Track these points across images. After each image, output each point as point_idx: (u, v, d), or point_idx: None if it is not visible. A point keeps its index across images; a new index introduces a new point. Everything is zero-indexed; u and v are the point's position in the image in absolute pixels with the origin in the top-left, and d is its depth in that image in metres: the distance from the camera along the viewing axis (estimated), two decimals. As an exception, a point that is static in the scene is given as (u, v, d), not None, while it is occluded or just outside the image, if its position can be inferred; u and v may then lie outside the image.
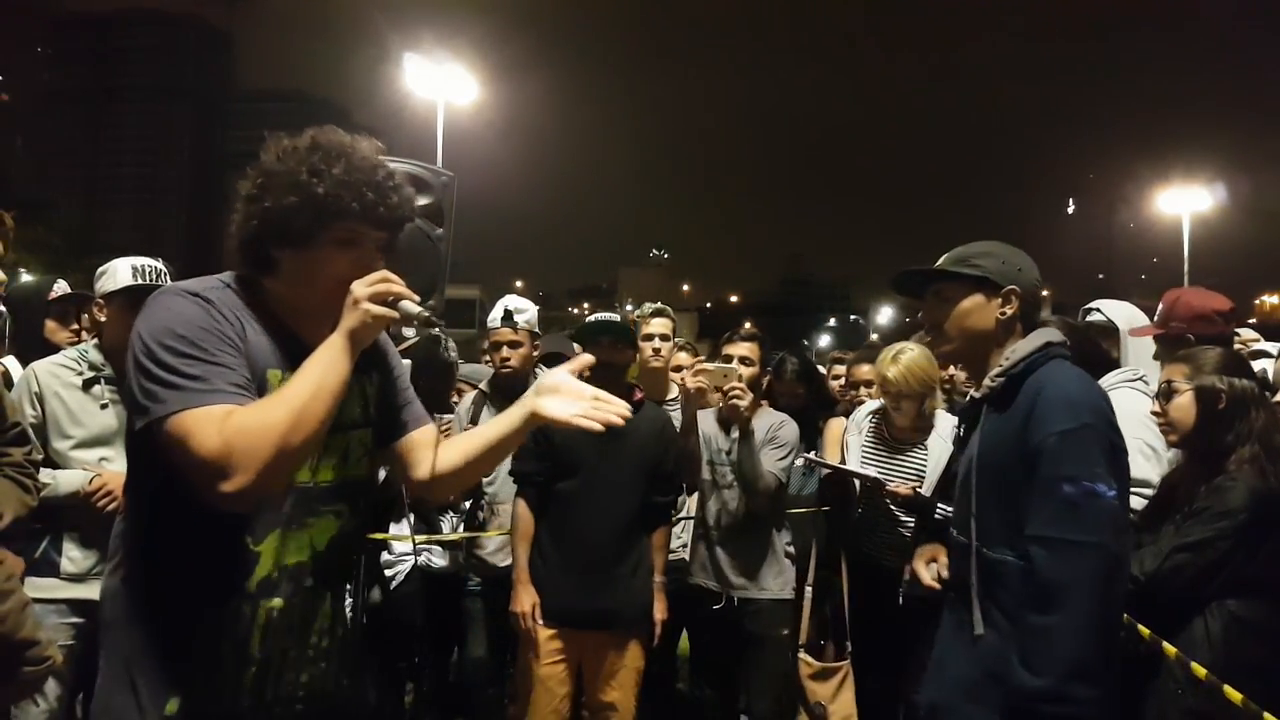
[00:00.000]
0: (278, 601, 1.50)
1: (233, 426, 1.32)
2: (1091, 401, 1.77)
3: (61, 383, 2.69)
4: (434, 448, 1.75)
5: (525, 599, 3.03)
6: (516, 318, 3.63)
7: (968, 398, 2.04)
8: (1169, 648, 2.21)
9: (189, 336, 1.39)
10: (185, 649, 1.44)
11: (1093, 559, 1.67)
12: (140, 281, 2.77)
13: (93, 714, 1.50)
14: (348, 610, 1.65)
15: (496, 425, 1.69)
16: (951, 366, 3.72)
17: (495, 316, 3.67)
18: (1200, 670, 2.12)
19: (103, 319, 2.82)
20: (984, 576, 1.84)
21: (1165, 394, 2.42)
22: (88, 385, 2.72)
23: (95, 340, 2.84)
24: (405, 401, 1.78)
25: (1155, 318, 3.08)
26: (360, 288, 1.49)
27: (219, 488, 1.31)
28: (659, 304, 3.97)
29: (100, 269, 2.86)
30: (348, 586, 1.65)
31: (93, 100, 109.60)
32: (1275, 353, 3.27)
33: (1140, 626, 2.33)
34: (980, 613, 1.83)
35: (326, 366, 1.43)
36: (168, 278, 2.85)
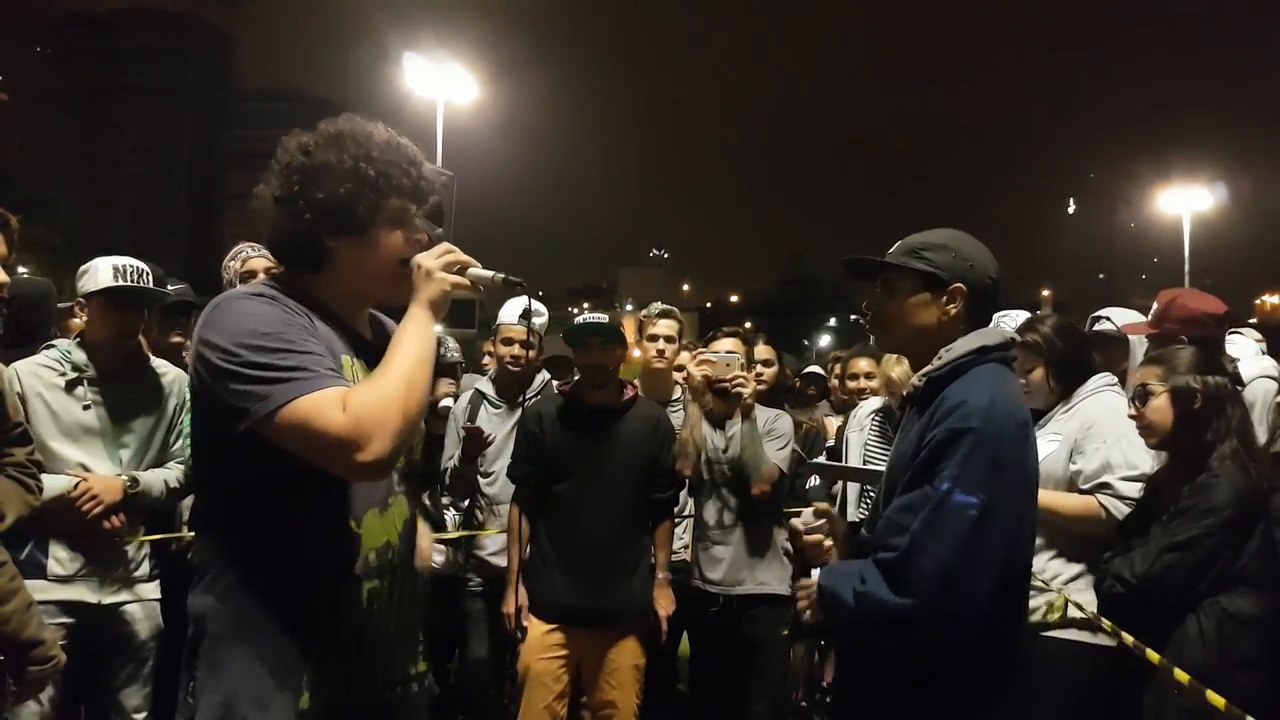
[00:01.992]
0: (376, 583, 1.56)
1: (356, 403, 1.37)
2: (989, 410, 1.62)
3: (44, 383, 2.67)
4: None
5: (512, 600, 3.10)
6: (534, 320, 3.64)
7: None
8: (1152, 654, 2.23)
9: (274, 332, 1.42)
10: (307, 642, 1.47)
11: (910, 553, 1.58)
12: (122, 282, 2.74)
13: None
14: (419, 591, 1.73)
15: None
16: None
17: (510, 314, 3.66)
18: (1183, 676, 2.13)
19: (83, 318, 2.79)
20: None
21: (1141, 396, 2.42)
22: (70, 386, 2.70)
23: (77, 340, 2.80)
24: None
25: (1150, 317, 3.09)
26: (429, 260, 1.55)
27: (355, 459, 1.36)
28: (667, 305, 3.96)
29: (81, 269, 2.83)
30: (413, 564, 1.71)
31: (93, 100, 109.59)
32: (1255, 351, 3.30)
33: (1125, 635, 2.34)
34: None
35: (418, 337, 1.50)
36: (149, 278, 2.83)
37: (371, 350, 1.58)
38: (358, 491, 1.53)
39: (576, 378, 3.26)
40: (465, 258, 1.58)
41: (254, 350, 1.39)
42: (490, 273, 1.61)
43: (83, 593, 2.67)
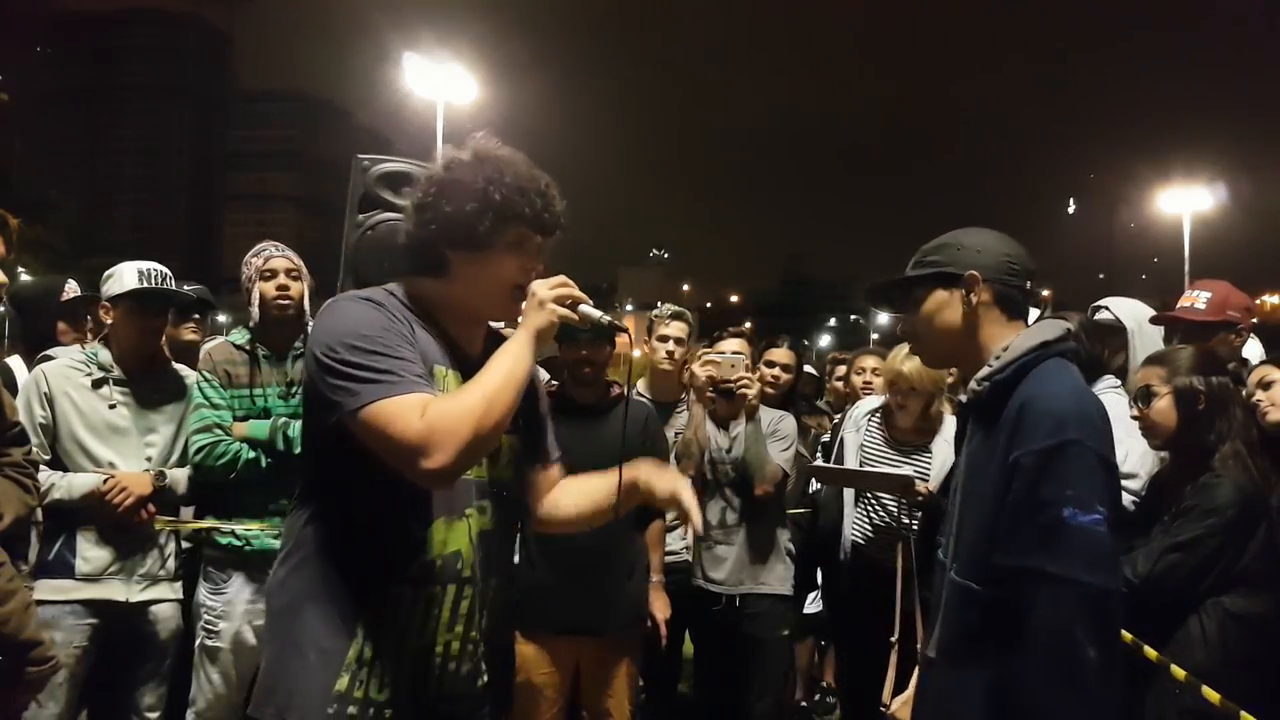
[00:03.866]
0: (438, 589, 1.59)
1: (434, 412, 1.44)
2: (1080, 412, 1.56)
3: (71, 384, 2.75)
4: (558, 488, 1.89)
5: None
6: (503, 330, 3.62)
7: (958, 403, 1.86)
8: (1150, 651, 2.23)
9: (372, 335, 1.51)
10: (351, 631, 1.54)
11: (1066, 596, 1.48)
12: (146, 285, 2.82)
13: (260, 692, 1.58)
14: (502, 607, 1.74)
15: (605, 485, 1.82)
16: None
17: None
18: (1179, 672, 2.14)
19: (109, 321, 2.86)
20: (951, 601, 1.69)
21: (1143, 397, 2.41)
22: (96, 385, 2.77)
23: (102, 341, 2.88)
24: (546, 429, 1.89)
25: (1204, 305, 3.03)
26: (544, 290, 1.62)
27: (422, 465, 1.43)
28: (679, 307, 3.96)
29: (106, 273, 2.91)
30: (497, 582, 1.72)
31: (93, 100, 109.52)
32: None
33: (1125, 633, 2.34)
34: (939, 636, 1.70)
35: (514, 359, 1.56)
36: (172, 281, 2.92)
37: (473, 366, 1.61)
38: (433, 498, 1.59)
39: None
40: (578, 293, 1.65)
41: (351, 350, 1.48)
42: (599, 313, 1.67)
43: (112, 590, 2.71)
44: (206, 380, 2.85)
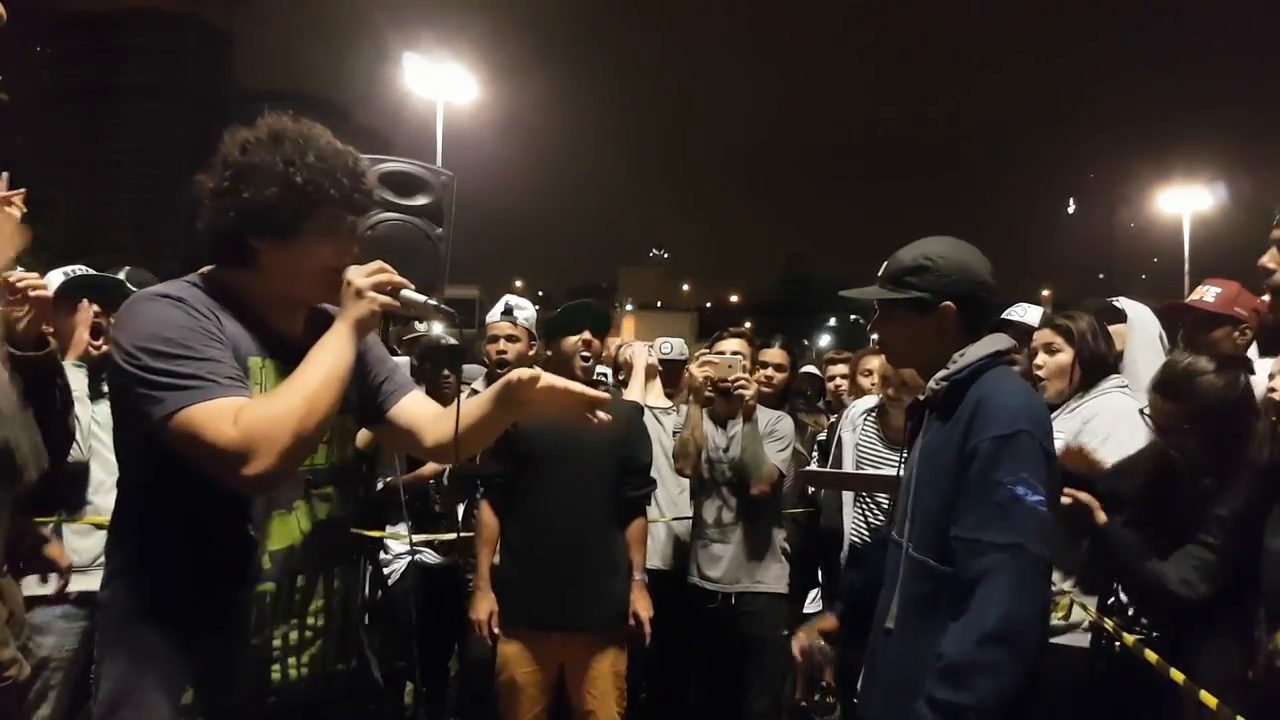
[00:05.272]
0: (270, 585, 1.53)
1: (249, 416, 1.37)
2: (1030, 410, 1.76)
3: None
4: (432, 411, 1.79)
5: (483, 606, 3.00)
6: (516, 313, 3.69)
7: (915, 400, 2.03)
8: (1151, 655, 2.23)
9: (174, 338, 1.41)
10: (192, 641, 1.47)
11: (1012, 560, 1.64)
12: (68, 277, 2.87)
13: (103, 707, 1.50)
14: (344, 592, 1.67)
15: (481, 397, 1.73)
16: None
17: (495, 312, 3.74)
18: (1179, 676, 2.13)
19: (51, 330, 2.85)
20: (908, 576, 1.84)
21: None
22: None
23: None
24: (386, 374, 1.80)
25: (1213, 299, 3.01)
26: (361, 278, 1.54)
27: (241, 473, 1.36)
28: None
29: None
30: (339, 569, 1.66)
31: (93, 100, 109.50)
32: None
33: (1126, 635, 2.33)
34: (897, 609, 1.85)
35: (335, 354, 1.49)
36: (93, 274, 2.98)
37: (293, 350, 1.55)
38: (256, 498, 1.52)
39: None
40: (399, 279, 1.58)
41: (154, 355, 1.40)
42: (422, 298, 1.59)
43: (98, 582, 2.68)
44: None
